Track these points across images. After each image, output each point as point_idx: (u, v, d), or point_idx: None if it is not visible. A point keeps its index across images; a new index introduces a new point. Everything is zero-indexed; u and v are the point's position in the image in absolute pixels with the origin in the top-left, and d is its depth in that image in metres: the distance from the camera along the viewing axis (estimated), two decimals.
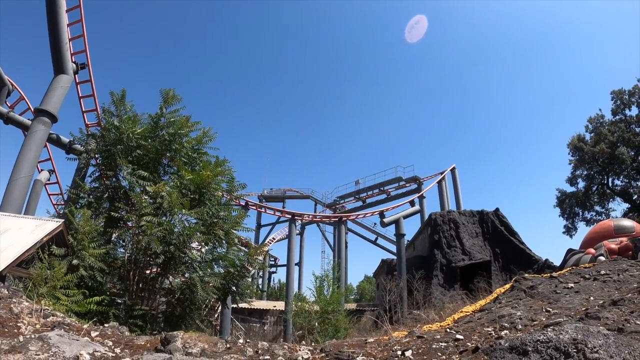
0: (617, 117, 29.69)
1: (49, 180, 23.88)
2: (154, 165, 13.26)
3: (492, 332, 4.40)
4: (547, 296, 6.44)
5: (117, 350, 3.62)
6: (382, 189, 40.94)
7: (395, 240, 34.53)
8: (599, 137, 29.16)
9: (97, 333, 4.33)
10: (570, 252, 13.38)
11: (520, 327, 4.48)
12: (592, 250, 11.74)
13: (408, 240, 39.50)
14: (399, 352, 3.66)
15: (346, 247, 55.10)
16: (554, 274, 8.28)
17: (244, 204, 26.13)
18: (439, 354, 3.55)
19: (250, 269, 15.54)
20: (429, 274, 28.90)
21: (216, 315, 23.61)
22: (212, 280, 12.29)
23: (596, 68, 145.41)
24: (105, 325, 4.94)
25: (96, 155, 13.47)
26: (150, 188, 11.67)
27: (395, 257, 31.59)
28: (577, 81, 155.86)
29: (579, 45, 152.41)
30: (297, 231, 48.26)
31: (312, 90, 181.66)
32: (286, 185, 54.62)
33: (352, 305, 32.40)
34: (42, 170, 23.87)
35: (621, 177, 30.52)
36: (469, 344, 3.75)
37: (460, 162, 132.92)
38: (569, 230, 32.27)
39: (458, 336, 4.15)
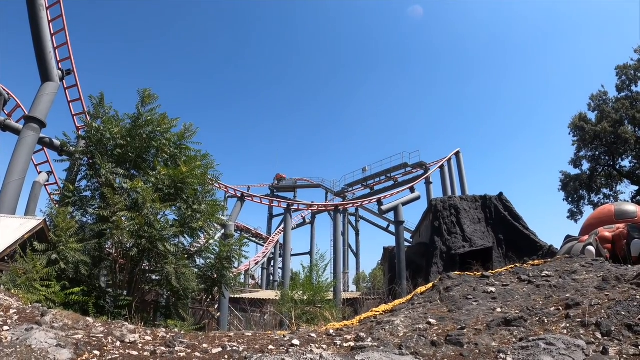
0: (622, 93, 28.46)
1: (47, 181, 24.95)
2: (137, 163, 13.92)
3: (337, 344, 4.15)
4: (455, 302, 5.78)
5: (8, 321, 4.30)
6: (388, 175, 40.53)
7: (406, 228, 34.27)
8: (602, 115, 28.02)
9: (15, 310, 5.01)
10: (567, 239, 12.31)
11: (369, 341, 4.05)
12: (584, 238, 10.68)
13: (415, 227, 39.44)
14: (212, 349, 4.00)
15: (358, 234, 55.57)
16: (487, 273, 7.51)
17: (240, 195, 26.78)
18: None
19: (234, 260, 16.17)
20: (429, 262, 28.88)
21: (217, 306, 24.54)
22: (188, 271, 12.85)
23: (600, 44, 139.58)
24: (31, 305, 5.61)
25: (82, 156, 14.24)
26: (127, 185, 12.42)
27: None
28: (581, 58, 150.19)
29: (580, 23, 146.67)
30: (308, 220, 48.97)
31: (322, 80, 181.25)
32: (298, 175, 54.88)
33: (356, 294, 32.77)
34: (40, 172, 25.05)
35: (629, 157, 29.30)
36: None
37: (467, 149, 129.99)
38: (574, 215, 31.20)
39: (290, 339, 4.30)
